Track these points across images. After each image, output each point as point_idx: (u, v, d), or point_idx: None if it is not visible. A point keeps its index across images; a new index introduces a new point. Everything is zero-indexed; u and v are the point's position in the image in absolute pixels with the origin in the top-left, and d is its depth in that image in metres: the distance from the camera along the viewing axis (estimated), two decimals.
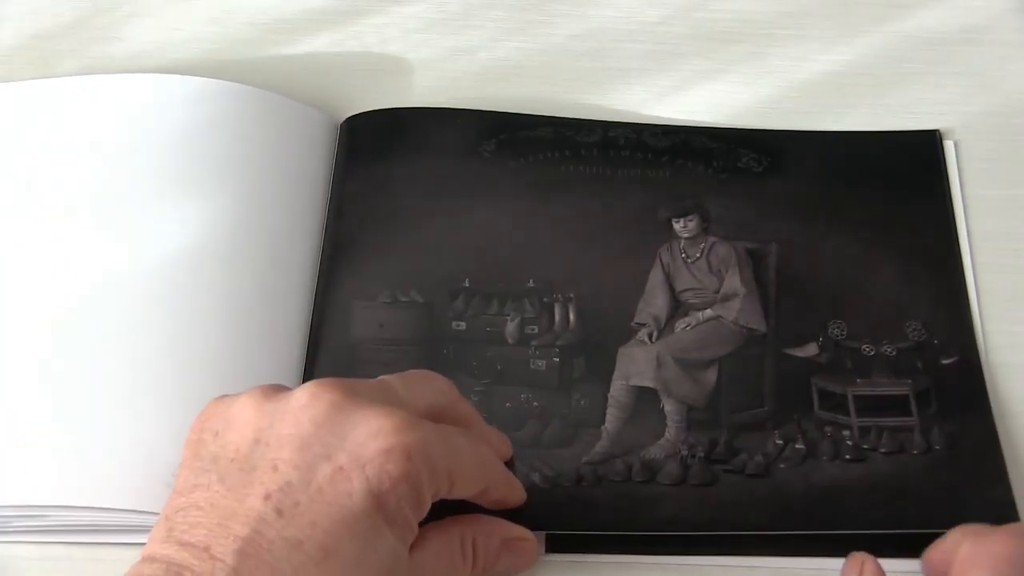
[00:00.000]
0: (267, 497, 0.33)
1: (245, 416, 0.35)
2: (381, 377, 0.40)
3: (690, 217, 0.50)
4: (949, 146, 0.51)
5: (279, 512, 0.33)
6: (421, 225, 0.50)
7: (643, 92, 0.54)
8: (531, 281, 0.48)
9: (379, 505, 0.33)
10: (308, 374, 0.46)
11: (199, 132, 0.50)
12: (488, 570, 0.39)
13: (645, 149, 0.52)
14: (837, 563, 0.42)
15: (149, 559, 0.33)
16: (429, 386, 0.40)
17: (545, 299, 0.48)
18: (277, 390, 0.36)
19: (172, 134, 0.50)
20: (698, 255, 0.49)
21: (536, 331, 0.47)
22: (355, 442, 0.34)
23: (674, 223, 0.50)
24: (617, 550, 0.42)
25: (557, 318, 0.48)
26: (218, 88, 0.51)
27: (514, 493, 0.41)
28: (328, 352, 0.47)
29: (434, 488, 0.35)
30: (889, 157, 0.51)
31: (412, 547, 0.35)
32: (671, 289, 0.48)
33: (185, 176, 0.49)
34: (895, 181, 0.50)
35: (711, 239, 0.50)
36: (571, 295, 0.48)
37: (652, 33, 0.56)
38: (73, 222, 0.47)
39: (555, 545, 0.42)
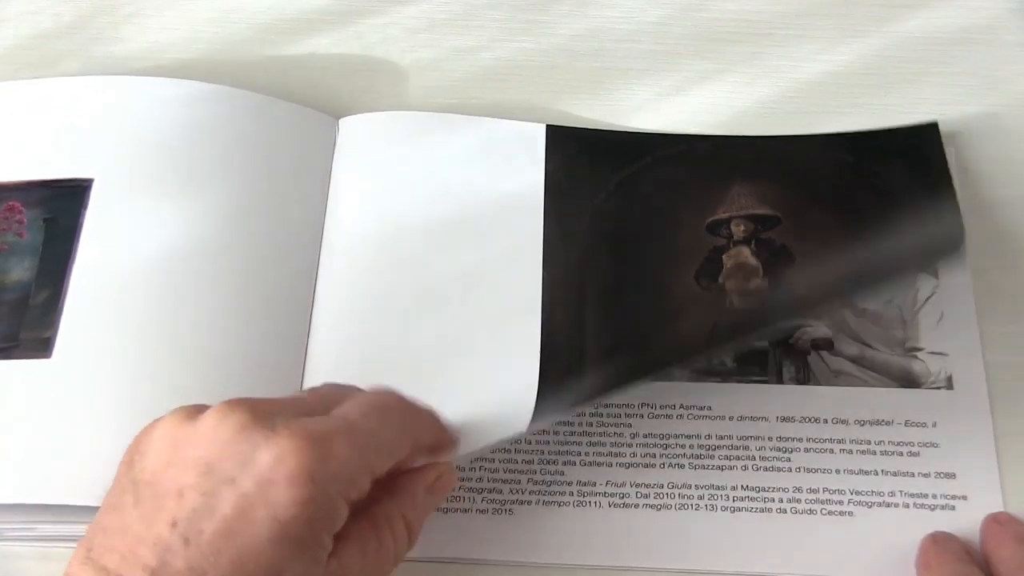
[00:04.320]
0: (174, 524, 0.32)
1: (161, 438, 0.35)
2: (297, 393, 0.39)
3: None
4: (949, 146, 0.51)
5: (185, 541, 0.32)
6: None
7: (644, 92, 0.54)
8: None
9: (285, 533, 0.32)
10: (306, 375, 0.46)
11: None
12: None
13: None
14: None
15: None
16: (341, 393, 0.39)
17: None
18: (197, 410, 0.35)
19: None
20: None
21: None
22: (259, 467, 0.33)
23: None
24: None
25: None
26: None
27: (444, 437, 0.39)
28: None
29: (354, 493, 0.34)
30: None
31: (331, 552, 0.34)
32: None
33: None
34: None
35: None
36: None
37: (653, 33, 0.56)
38: None
39: None
